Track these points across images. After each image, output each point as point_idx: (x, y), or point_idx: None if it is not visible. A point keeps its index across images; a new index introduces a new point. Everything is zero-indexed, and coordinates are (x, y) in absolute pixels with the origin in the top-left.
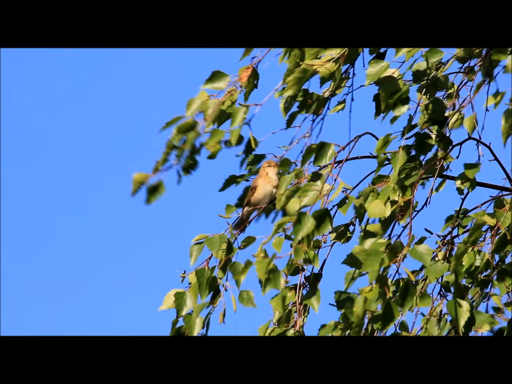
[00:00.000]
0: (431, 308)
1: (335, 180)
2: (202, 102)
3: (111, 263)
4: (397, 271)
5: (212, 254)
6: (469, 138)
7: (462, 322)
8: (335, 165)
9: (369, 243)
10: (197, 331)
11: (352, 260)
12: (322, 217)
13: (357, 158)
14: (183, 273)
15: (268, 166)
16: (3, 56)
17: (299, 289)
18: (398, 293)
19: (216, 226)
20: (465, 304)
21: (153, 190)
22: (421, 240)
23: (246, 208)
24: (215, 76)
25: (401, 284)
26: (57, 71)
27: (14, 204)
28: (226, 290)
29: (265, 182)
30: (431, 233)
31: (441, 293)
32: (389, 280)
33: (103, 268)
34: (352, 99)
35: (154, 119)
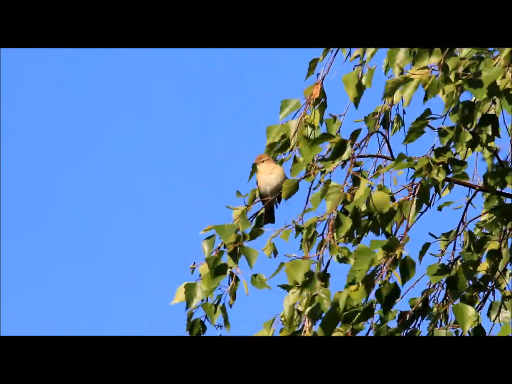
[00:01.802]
0: (438, 309)
1: (351, 176)
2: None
3: (111, 263)
4: (387, 272)
5: (221, 244)
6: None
7: (467, 327)
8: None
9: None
10: (216, 317)
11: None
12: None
13: (370, 156)
14: (193, 264)
15: (261, 162)
16: (3, 56)
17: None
18: (383, 296)
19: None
20: (471, 310)
21: None
22: (425, 246)
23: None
24: (285, 104)
25: (386, 287)
26: (57, 71)
27: (14, 204)
28: (232, 275)
29: (260, 174)
30: (436, 238)
31: (447, 298)
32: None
33: (103, 268)
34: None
35: (154, 119)
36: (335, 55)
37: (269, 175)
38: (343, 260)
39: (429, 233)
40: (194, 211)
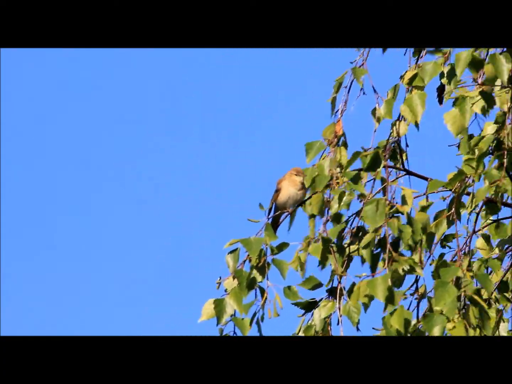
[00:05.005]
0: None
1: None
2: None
3: (111, 263)
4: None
5: (247, 257)
6: None
7: None
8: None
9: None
10: (248, 330)
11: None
12: None
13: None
14: (219, 280)
15: (295, 174)
16: (3, 56)
17: (339, 299)
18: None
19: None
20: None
21: None
22: (440, 256)
23: (275, 212)
24: (310, 147)
25: (473, 311)
26: (57, 71)
27: (14, 204)
28: (260, 291)
29: (289, 185)
30: (450, 248)
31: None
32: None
33: (103, 268)
34: None
35: (154, 119)
36: (348, 91)
37: (297, 191)
38: (409, 272)
39: (445, 244)
40: (194, 211)
